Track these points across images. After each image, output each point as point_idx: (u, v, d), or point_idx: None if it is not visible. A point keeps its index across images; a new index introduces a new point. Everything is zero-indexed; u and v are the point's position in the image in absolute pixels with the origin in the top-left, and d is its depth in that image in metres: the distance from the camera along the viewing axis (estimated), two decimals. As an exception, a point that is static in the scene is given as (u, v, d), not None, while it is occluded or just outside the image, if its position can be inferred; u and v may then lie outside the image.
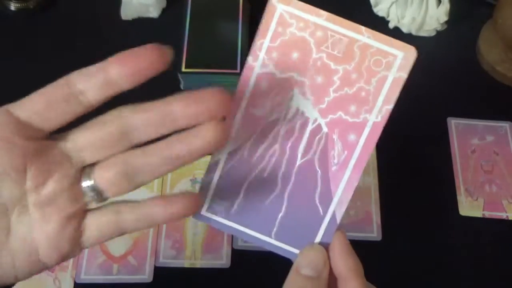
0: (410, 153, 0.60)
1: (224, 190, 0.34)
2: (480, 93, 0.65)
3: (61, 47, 0.68)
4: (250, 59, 0.33)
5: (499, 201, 0.57)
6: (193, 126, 0.29)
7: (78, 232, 0.30)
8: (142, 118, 0.29)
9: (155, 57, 0.29)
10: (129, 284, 0.52)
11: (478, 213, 0.56)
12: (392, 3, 0.68)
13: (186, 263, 0.53)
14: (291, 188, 0.34)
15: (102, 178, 0.30)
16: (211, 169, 0.34)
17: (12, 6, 0.69)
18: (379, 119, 0.33)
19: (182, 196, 0.31)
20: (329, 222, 0.34)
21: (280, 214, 0.34)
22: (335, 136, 0.33)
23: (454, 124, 0.62)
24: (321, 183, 0.34)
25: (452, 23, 0.69)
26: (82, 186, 0.30)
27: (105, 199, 0.30)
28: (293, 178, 0.34)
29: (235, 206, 0.35)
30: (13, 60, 0.67)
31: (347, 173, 0.33)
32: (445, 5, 0.67)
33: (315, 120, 0.33)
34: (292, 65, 0.33)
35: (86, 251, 0.53)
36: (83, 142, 0.30)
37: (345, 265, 0.33)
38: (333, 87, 0.33)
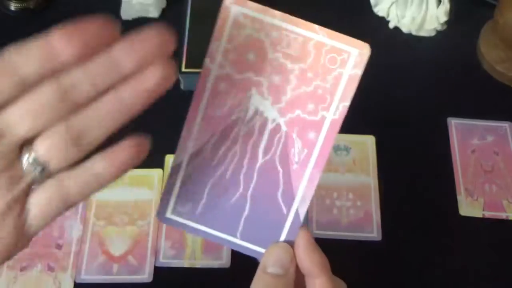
0: (410, 153, 0.60)
1: (188, 192, 0.35)
2: (480, 93, 0.65)
3: (61, 47, 0.68)
4: (207, 60, 0.33)
5: (499, 201, 0.57)
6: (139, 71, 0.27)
7: (21, 219, 0.27)
8: (85, 75, 0.26)
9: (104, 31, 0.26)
10: (129, 284, 0.52)
11: (478, 213, 0.56)
12: (392, 3, 0.68)
13: (186, 263, 0.53)
14: (253, 188, 0.34)
15: (43, 147, 0.26)
16: (173, 171, 0.34)
17: (12, 6, 0.69)
18: (336, 116, 0.33)
19: (124, 145, 0.28)
20: (292, 220, 0.34)
21: (244, 214, 0.35)
22: (294, 135, 0.33)
23: (454, 124, 0.62)
24: (283, 182, 0.34)
25: (452, 23, 0.69)
26: (23, 163, 0.27)
27: (52, 172, 0.27)
28: (255, 178, 0.34)
29: (200, 208, 0.35)
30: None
31: (308, 170, 0.34)
32: (445, 5, 0.67)
33: (274, 119, 0.33)
34: (249, 65, 0.33)
35: (86, 251, 0.54)
36: (16, 114, 0.26)
37: (311, 261, 0.33)
38: (291, 86, 0.33)
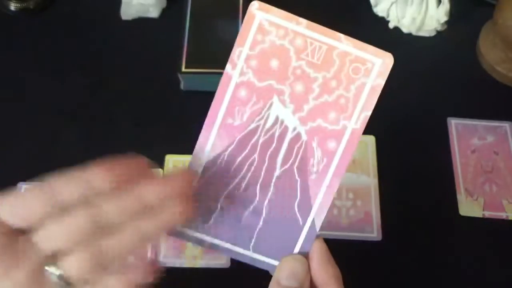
0: (410, 153, 0.60)
1: (200, 203, 0.34)
2: (480, 93, 0.65)
3: (61, 47, 0.68)
4: (228, 67, 0.32)
5: (499, 201, 0.57)
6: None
7: None
8: (115, 207, 0.29)
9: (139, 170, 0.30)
10: (129, 284, 0.52)
11: (478, 213, 0.56)
12: (392, 3, 0.68)
13: (186, 263, 0.53)
14: (269, 199, 0.33)
15: (71, 265, 0.29)
16: None
17: (12, 6, 0.69)
18: (358, 125, 0.33)
19: (137, 266, 0.31)
20: (308, 231, 0.33)
21: (259, 226, 0.34)
22: (314, 144, 0.33)
23: (454, 124, 0.62)
24: (300, 192, 0.33)
25: (452, 23, 0.69)
26: (49, 274, 0.29)
27: (71, 284, 0.30)
28: (272, 188, 0.33)
29: (212, 219, 0.34)
30: (13, 60, 0.67)
31: (327, 180, 0.33)
32: (445, 5, 0.67)
33: (295, 128, 0.33)
34: (272, 73, 0.32)
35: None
36: (52, 231, 0.29)
37: (326, 274, 0.33)
38: (313, 95, 0.32)
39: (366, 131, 0.63)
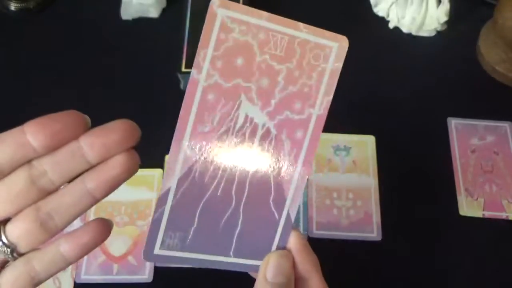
0: (410, 153, 0.60)
1: (177, 220, 0.33)
2: (480, 93, 0.65)
3: (61, 47, 0.68)
4: (194, 72, 0.31)
5: (499, 201, 0.57)
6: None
7: None
8: (54, 165, 0.28)
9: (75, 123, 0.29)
10: (129, 284, 0.52)
11: (478, 213, 0.56)
12: (392, 3, 0.68)
13: (186, 263, 0.53)
14: (246, 200, 0.33)
15: (14, 231, 0.28)
16: (162, 200, 0.32)
17: (12, 6, 0.69)
18: (321, 111, 0.33)
19: (88, 226, 0.30)
20: (284, 224, 0.33)
21: (237, 230, 0.33)
22: (283, 136, 0.33)
23: (454, 124, 0.62)
24: (274, 187, 0.33)
25: (452, 23, 0.69)
26: None
27: (21, 254, 0.29)
28: (247, 190, 0.33)
29: (191, 234, 0.33)
30: (13, 60, 0.67)
31: (297, 170, 0.33)
32: (445, 5, 0.67)
33: (264, 124, 0.33)
34: (238, 71, 0.32)
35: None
36: None
37: (307, 263, 0.33)
38: (278, 88, 0.32)
39: (366, 131, 0.63)
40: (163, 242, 0.33)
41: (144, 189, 0.57)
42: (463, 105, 0.64)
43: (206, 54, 0.31)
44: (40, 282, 0.30)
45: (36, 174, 0.28)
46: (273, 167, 0.33)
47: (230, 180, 0.33)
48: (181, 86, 0.63)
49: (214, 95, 0.32)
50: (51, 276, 0.30)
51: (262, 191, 0.33)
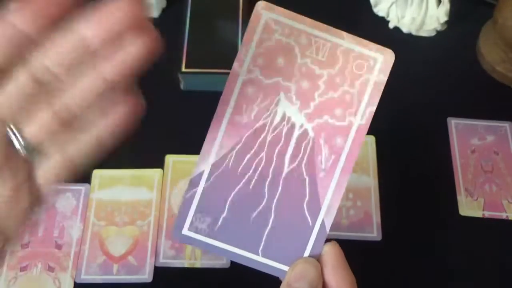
0: (410, 153, 0.60)
1: (208, 205, 0.33)
2: (480, 93, 0.65)
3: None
4: (235, 65, 0.33)
5: (499, 201, 0.57)
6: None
7: (33, 193, 0.29)
8: (50, 55, 0.25)
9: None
10: (129, 284, 0.52)
11: (478, 213, 0.56)
12: (392, 3, 0.68)
13: (186, 263, 0.53)
14: (278, 199, 0.33)
15: (33, 130, 0.27)
16: (194, 182, 0.33)
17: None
18: (363, 121, 0.33)
19: (120, 105, 0.28)
20: (318, 232, 0.33)
21: (267, 228, 0.33)
22: (321, 141, 0.33)
23: (454, 124, 0.62)
24: (309, 191, 0.33)
25: (452, 23, 0.69)
26: (15, 146, 0.28)
27: (39, 150, 0.28)
28: (280, 188, 0.33)
29: (220, 222, 0.33)
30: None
31: (335, 178, 0.33)
32: (445, 5, 0.67)
33: (302, 125, 0.33)
34: (278, 70, 0.33)
35: (86, 251, 0.54)
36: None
37: (340, 280, 0.32)
38: (319, 92, 0.33)
39: (366, 131, 0.63)
40: (192, 223, 0.33)
41: (144, 189, 0.57)
42: (463, 105, 0.63)
43: (248, 50, 0.33)
44: (78, 167, 0.29)
45: (38, 72, 0.26)
46: (309, 170, 0.33)
47: (264, 175, 0.33)
48: (181, 86, 0.63)
49: (253, 90, 0.33)
50: (88, 159, 0.29)
51: (296, 194, 0.33)
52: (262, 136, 0.33)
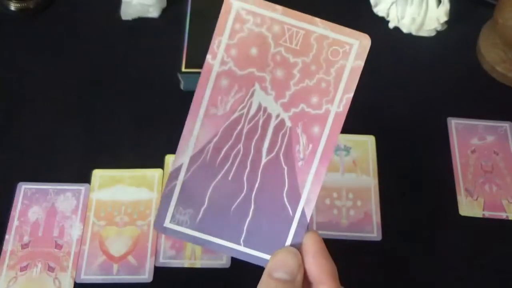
0: (410, 153, 0.60)
1: (188, 197, 0.33)
2: (480, 93, 0.65)
3: (61, 47, 0.68)
4: (208, 57, 0.33)
5: (499, 201, 0.57)
6: None
7: None
8: None
9: None
10: (129, 284, 0.52)
11: (478, 213, 0.56)
12: (392, 3, 0.68)
13: (186, 263, 0.53)
14: (258, 189, 0.33)
15: None
16: (173, 175, 0.33)
17: (12, 6, 0.69)
18: (341, 108, 0.33)
19: None
20: (299, 221, 0.33)
21: (248, 219, 0.33)
22: (299, 130, 0.33)
23: (454, 124, 0.62)
24: (288, 181, 0.33)
25: (452, 23, 0.69)
26: None
27: None
28: (259, 178, 0.33)
29: (201, 214, 0.33)
30: (13, 60, 0.67)
31: (314, 167, 0.33)
32: (445, 5, 0.67)
33: (278, 115, 0.33)
34: (252, 61, 0.33)
35: (86, 251, 0.53)
36: None
37: (321, 269, 0.32)
38: (294, 80, 0.33)
39: (366, 131, 0.63)
40: (173, 216, 0.34)
41: (144, 189, 0.57)
42: (463, 105, 0.63)
43: (220, 42, 0.33)
44: None
45: None
46: (287, 160, 0.33)
47: (242, 166, 0.33)
48: (181, 86, 0.63)
49: (227, 81, 0.33)
50: None
51: (275, 184, 0.33)
52: (238, 128, 0.33)
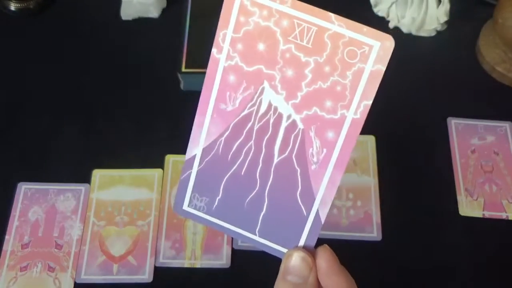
0: (410, 153, 0.60)
1: (202, 186, 0.33)
2: (480, 93, 0.65)
3: (61, 47, 0.68)
4: (214, 51, 0.31)
5: (499, 201, 0.57)
6: None
7: None
8: None
9: None
10: (129, 284, 0.52)
11: (478, 213, 0.56)
12: (392, 3, 0.68)
13: (186, 263, 0.53)
14: (270, 187, 0.33)
15: None
16: (188, 164, 0.33)
17: (12, 6, 0.69)
18: (358, 115, 0.30)
19: None
20: (313, 222, 0.33)
21: (262, 213, 0.33)
22: (312, 133, 0.31)
23: (454, 124, 0.62)
24: (301, 182, 0.32)
25: (452, 23, 0.69)
26: None
27: None
28: (272, 176, 0.32)
29: (216, 203, 0.33)
30: (13, 60, 0.67)
31: (328, 172, 0.31)
32: (445, 5, 0.67)
33: (289, 116, 0.31)
34: (259, 57, 0.30)
35: (86, 251, 0.53)
36: None
37: (336, 285, 0.32)
38: (305, 81, 0.30)
39: (366, 131, 0.63)
40: (191, 201, 0.34)
41: (144, 189, 0.57)
42: (463, 105, 0.63)
43: (225, 35, 0.30)
44: None
45: None
46: (300, 162, 0.32)
47: (254, 163, 0.32)
48: (181, 86, 0.63)
49: (235, 77, 0.31)
50: None
51: (288, 183, 0.32)
52: (249, 125, 0.32)
